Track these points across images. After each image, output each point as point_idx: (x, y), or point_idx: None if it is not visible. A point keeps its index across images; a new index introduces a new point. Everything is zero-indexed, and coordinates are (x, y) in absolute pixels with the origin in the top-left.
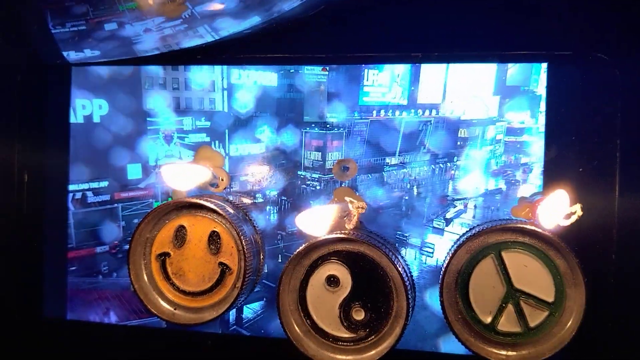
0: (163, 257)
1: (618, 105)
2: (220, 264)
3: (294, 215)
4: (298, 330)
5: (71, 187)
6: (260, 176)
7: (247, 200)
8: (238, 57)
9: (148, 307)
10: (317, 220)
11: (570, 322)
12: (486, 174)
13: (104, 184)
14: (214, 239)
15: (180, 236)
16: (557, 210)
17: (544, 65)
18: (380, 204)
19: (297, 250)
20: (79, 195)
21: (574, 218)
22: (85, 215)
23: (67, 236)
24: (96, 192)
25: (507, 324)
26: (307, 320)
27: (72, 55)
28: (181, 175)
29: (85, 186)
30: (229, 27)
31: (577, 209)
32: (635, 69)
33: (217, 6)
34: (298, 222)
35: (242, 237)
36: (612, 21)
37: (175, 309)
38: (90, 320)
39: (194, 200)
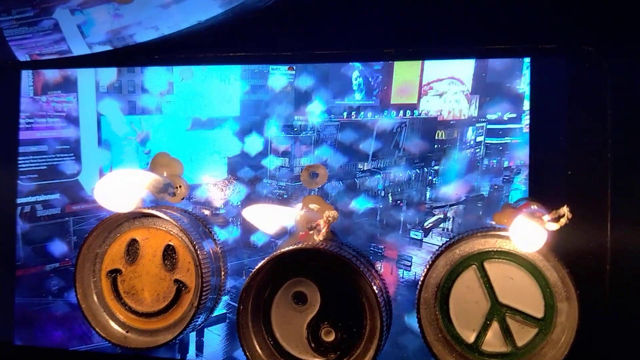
0: (114, 274)
1: (608, 102)
2: (176, 281)
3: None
4: (261, 354)
5: (19, 200)
6: (222, 185)
7: (207, 211)
8: (198, 57)
9: (97, 330)
10: (270, 218)
11: (562, 340)
12: (466, 179)
13: (55, 196)
14: (169, 253)
15: (132, 251)
16: (532, 229)
17: (527, 60)
18: (353, 212)
19: (260, 265)
20: (27, 209)
21: (562, 221)
22: (33, 230)
23: (15, 253)
24: (46, 205)
25: (493, 343)
26: (271, 342)
27: (20, 54)
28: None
29: (34, 199)
30: (186, 16)
31: (565, 211)
32: (625, 62)
33: None
34: (246, 213)
35: (199, 251)
36: (598, 12)
37: (127, 332)
38: (39, 345)
39: (147, 210)
